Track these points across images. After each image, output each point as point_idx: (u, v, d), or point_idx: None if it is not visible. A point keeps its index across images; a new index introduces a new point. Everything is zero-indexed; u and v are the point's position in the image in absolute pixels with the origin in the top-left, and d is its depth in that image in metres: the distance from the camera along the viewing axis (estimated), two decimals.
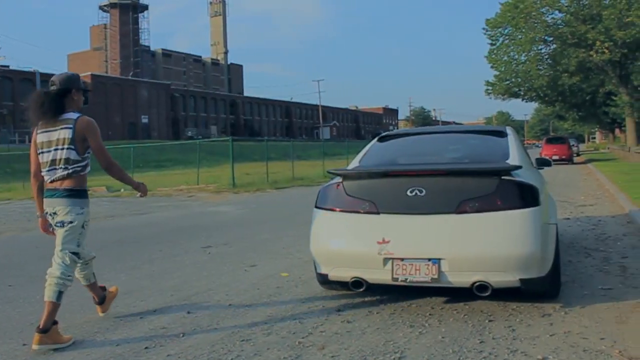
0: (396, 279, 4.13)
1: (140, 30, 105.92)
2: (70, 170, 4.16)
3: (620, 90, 37.09)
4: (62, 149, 4.15)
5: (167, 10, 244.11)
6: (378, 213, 4.28)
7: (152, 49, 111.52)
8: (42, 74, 74.46)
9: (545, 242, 4.09)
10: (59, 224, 4.17)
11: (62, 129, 4.16)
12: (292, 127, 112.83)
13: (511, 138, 5.11)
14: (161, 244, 8.66)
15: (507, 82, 39.21)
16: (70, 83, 4.27)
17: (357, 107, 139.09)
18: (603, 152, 57.32)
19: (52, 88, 4.22)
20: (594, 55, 33.54)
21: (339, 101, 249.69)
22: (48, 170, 4.20)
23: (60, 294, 4.06)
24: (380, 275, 4.22)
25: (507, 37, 38.27)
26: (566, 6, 35.12)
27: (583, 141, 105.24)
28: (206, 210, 14.14)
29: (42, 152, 4.23)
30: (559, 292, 4.61)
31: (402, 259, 4.12)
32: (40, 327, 3.95)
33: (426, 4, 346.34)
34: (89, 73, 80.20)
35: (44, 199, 4.26)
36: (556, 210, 4.88)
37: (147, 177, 31.34)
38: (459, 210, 4.07)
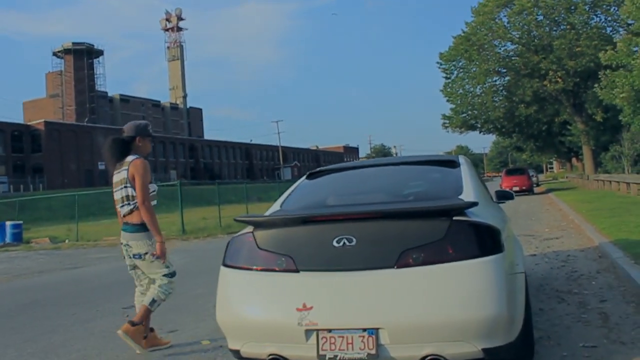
0: (323, 357, 3.16)
1: (95, 76, 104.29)
2: (132, 206, 4.73)
3: (575, 119, 37.27)
4: (124, 187, 4.74)
5: (124, 56, 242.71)
6: (297, 271, 3.32)
7: (109, 94, 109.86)
8: None
9: (512, 298, 3.18)
10: (136, 256, 4.76)
11: (123, 170, 4.76)
12: (253, 168, 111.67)
13: (464, 168, 4.24)
14: (78, 305, 7.53)
15: (464, 114, 38.97)
16: (135, 131, 4.82)
17: (317, 147, 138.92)
18: (562, 181, 57.73)
19: (123, 135, 4.85)
20: (548, 85, 33.65)
21: (300, 142, 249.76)
22: (120, 207, 4.83)
23: (154, 301, 4.87)
24: (303, 352, 3.24)
25: (461, 70, 38.23)
26: (517, 37, 35.32)
27: (541, 171, 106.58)
28: None
29: (114, 191, 4.85)
30: (532, 355, 3.70)
31: (329, 330, 3.16)
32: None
33: (381, 41, 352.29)
34: (42, 120, 78.17)
35: (121, 232, 4.87)
36: (523, 254, 4.00)
37: (100, 225, 29.85)
38: (400, 263, 3.14)
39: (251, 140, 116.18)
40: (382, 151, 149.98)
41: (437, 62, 38.68)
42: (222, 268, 3.64)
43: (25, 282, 10.67)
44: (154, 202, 4.82)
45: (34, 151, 75.20)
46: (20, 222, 23.43)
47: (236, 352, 3.53)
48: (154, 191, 4.87)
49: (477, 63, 35.79)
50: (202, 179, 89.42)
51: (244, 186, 30.34)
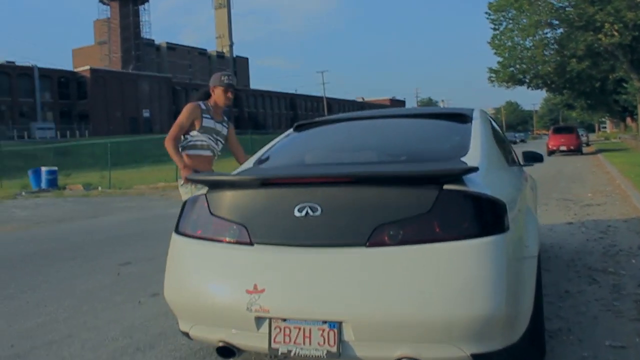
0: (275, 350, 2.57)
1: (141, 23, 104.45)
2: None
3: (632, 76, 35.00)
4: None
5: (173, 4, 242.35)
6: (251, 244, 2.71)
7: (156, 42, 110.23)
8: (40, 69, 73.24)
9: (515, 291, 2.51)
10: None
11: None
12: (298, 119, 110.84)
13: (477, 124, 3.50)
14: (77, 259, 7.15)
15: (511, 68, 37.03)
16: (211, 81, 4.94)
17: (363, 99, 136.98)
18: (614, 141, 55.27)
19: None
20: (603, 39, 31.55)
21: (346, 93, 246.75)
22: None
23: None
24: (254, 342, 2.66)
25: (510, 21, 36.16)
26: None
27: (593, 130, 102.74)
28: (167, 212, 12.55)
29: None
30: (542, 358, 3.03)
31: (283, 320, 2.56)
32: None
33: None
34: (88, 67, 78.87)
35: None
36: (537, 232, 3.21)
37: (140, 172, 30.00)
38: (373, 241, 2.49)
39: (296, 91, 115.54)
40: (429, 105, 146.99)
41: (486, 13, 36.74)
42: (173, 235, 3.06)
43: (39, 231, 10.42)
44: (198, 152, 4.82)
45: (80, 98, 76.22)
46: (55, 168, 23.49)
47: (186, 334, 2.98)
48: (201, 141, 4.81)
49: (528, 14, 33.67)
50: (246, 128, 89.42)
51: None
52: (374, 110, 4.40)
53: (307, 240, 2.59)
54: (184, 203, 3.11)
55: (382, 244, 2.48)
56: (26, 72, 71.99)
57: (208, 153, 4.88)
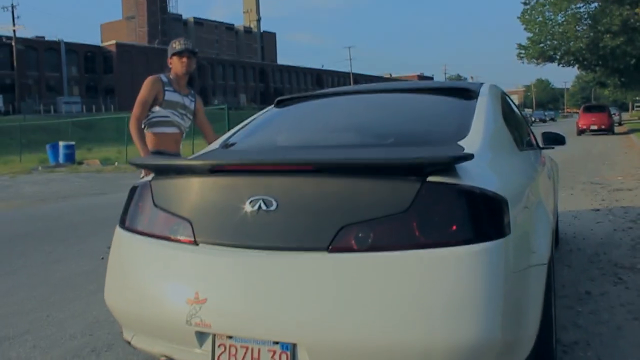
0: None
1: None
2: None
3: None
4: None
5: None
6: (195, 243, 2.24)
7: (184, 17, 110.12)
8: (67, 44, 73.49)
9: (516, 310, 1.99)
10: None
11: None
12: None
13: (484, 101, 2.94)
14: (65, 240, 6.80)
15: (542, 45, 35.68)
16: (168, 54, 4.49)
17: (390, 75, 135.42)
18: None
19: None
20: None
21: (373, 69, 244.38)
22: None
23: None
24: (196, 359, 2.21)
25: None
26: None
27: (627, 110, 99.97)
28: None
29: None
30: None
31: (229, 337, 2.09)
32: None
33: None
34: (114, 41, 78.96)
35: None
36: (550, 232, 2.60)
37: None
38: (337, 245, 1.99)
39: (323, 66, 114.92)
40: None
41: None
42: (117, 229, 2.60)
43: (40, 208, 10.14)
44: (162, 129, 4.37)
45: (106, 72, 76.48)
46: (73, 142, 23.38)
47: (128, 343, 2.53)
48: (164, 117, 4.34)
49: None
50: (272, 103, 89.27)
51: None
52: (377, 84, 3.83)
53: (258, 242, 2.10)
54: (130, 191, 2.63)
55: (347, 249, 1.97)
56: (53, 47, 72.33)
57: (174, 130, 4.45)
